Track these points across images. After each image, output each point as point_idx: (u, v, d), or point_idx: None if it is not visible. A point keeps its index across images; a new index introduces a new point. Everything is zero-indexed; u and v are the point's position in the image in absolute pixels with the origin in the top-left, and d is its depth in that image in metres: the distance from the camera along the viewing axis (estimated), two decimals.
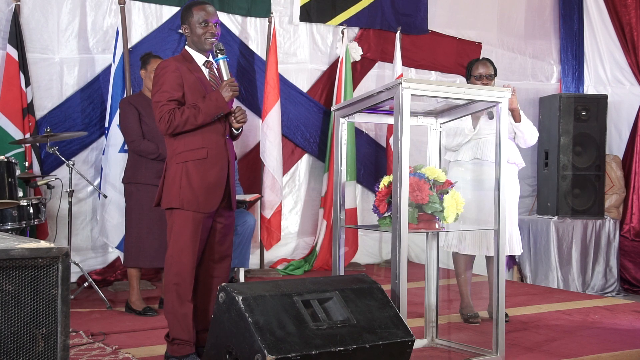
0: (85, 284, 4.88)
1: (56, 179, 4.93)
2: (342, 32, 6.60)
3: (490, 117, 4.32)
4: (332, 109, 3.94)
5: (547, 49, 7.71)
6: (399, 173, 3.11)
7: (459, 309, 4.51)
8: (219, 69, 3.38)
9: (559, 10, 7.70)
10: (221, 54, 3.34)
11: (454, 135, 4.39)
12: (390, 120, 3.56)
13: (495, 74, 4.50)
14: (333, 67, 6.66)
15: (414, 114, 3.74)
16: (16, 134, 5.18)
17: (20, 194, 4.31)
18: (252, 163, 6.28)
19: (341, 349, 2.73)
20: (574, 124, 6.82)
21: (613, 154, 7.22)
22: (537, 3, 7.66)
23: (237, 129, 3.43)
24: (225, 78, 3.33)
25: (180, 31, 3.46)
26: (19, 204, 4.35)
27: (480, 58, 4.62)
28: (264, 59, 6.25)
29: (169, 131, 3.28)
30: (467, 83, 4.53)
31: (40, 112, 5.44)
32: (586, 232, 6.73)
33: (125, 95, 5.35)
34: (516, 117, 4.28)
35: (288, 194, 6.59)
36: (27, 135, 5.20)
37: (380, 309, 2.98)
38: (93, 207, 5.67)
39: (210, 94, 3.29)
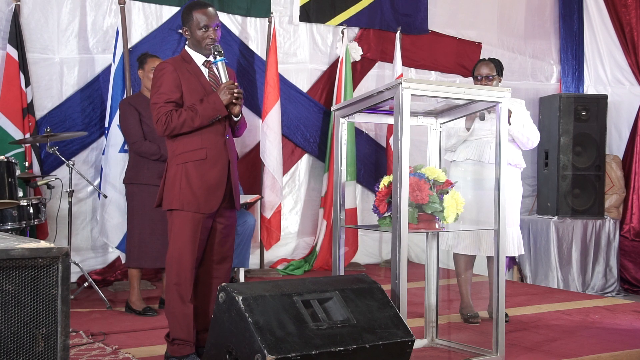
0: (85, 284, 4.88)
1: (56, 179, 4.93)
2: (342, 32, 6.60)
3: (482, 119, 4.31)
4: (332, 109, 3.94)
5: (547, 49, 7.71)
6: (399, 173, 3.11)
7: (459, 309, 4.51)
8: (217, 71, 3.36)
9: (559, 10, 7.70)
10: (219, 56, 3.31)
11: (449, 136, 4.39)
12: (390, 120, 3.56)
13: (499, 74, 4.47)
14: (333, 67, 6.66)
15: (414, 114, 3.74)
16: (16, 134, 5.18)
17: (20, 194, 4.31)
18: (252, 163, 6.28)
19: (341, 349, 2.73)
20: (574, 124, 6.82)
21: (613, 154, 7.22)
22: (537, 3, 7.66)
23: (236, 115, 3.36)
24: (223, 80, 3.31)
25: (181, 32, 3.44)
26: (19, 204, 4.35)
27: (486, 58, 4.60)
28: (264, 59, 6.25)
29: (165, 133, 3.27)
30: (474, 83, 4.52)
31: (40, 112, 5.44)
32: (586, 232, 6.73)
33: (125, 95, 5.35)
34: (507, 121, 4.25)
35: (288, 194, 6.59)
36: (27, 135, 5.20)
37: (380, 309, 2.98)
38: (93, 207, 5.67)
39: (209, 97, 3.27)
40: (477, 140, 4.37)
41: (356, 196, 6.70)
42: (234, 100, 3.29)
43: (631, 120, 7.20)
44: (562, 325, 4.37)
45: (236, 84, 3.31)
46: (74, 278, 5.23)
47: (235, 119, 3.38)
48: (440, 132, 3.88)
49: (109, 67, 5.51)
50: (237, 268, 5.45)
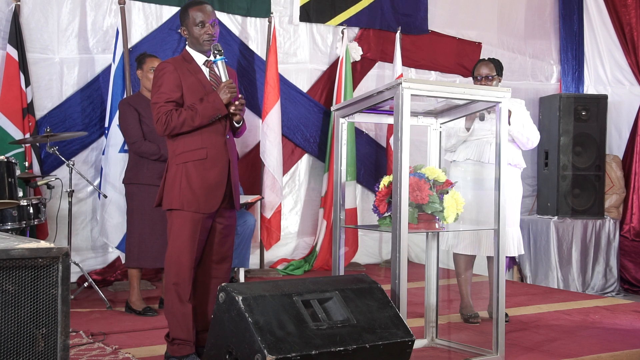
0: (85, 284, 4.88)
1: (56, 179, 4.93)
2: (342, 32, 6.60)
3: (481, 119, 4.31)
4: (332, 109, 3.94)
5: (547, 49, 7.71)
6: (399, 173, 3.11)
7: (459, 309, 4.51)
8: (217, 70, 3.37)
9: (559, 10, 7.70)
10: (219, 55, 3.32)
11: (448, 136, 4.39)
12: (390, 120, 3.56)
13: (499, 74, 4.48)
14: (333, 67, 6.66)
15: (414, 114, 3.74)
16: (16, 134, 5.18)
17: (20, 194, 4.31)
18: (252, 163, 6.28)
19: (341, 349, 2.73)
20: (574, 124, 6.82)
21: (613, 154, 7.22)
22: (537, 3, 7.66)
23: (237, 122, 3.37)
24: (223, 80, 3.32)
25: (180, 31, 3.45)
26: (19, 204, 4.35)
27: (486, 58, 4.61)
28: (264, 59, 6.25)
29: (165, 132, 3.27)
30: (474, 83, 4.52)
31: (40, 112, 5.44)
32: (586, 232, 6.73)
33: (125, 95, 5.35)
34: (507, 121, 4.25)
35: (288, 194, 6.59)
36: (27, 135, 5.20)
37: (380, 309, 2.98)
38: (93, 207, 5.67)
39: (208, 96, 3.28)
40: (477, 140, 4.37)
41: (356, 196, 6.70)
42: (233, 108, 3.29)
43: (631, 120, 7.20)
44: (562, 325, 4.37)
45: (241, 97, 3.31)
46: (74, 278, 5.23)
47: (237, 125, 3.40)
48: (440, 132, 3.88)
49: (109, 67, 5.51)
50: (237, 268, 5.45)
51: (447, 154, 4.49)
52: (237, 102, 3.30)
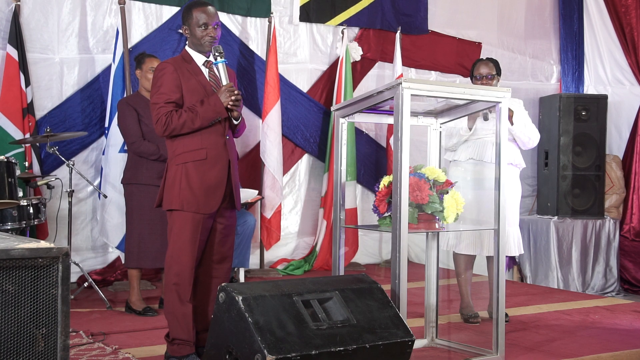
0: (85, 284, 4.88)
1: (56, 179, 4.93)
2: (342, 32, 6.60)
3: (485, 119, 4.31)
4: (332, 109, 3.94)
5: (547, 49, 7.71)
6: (399, 173, 3.11)
7: (459, 309, 4.51)
8: (217, 72, 3.36)
9: (559, 10, 7.70)
10: (220, 57, 3.32)
11: (450, 135, 4.39)
12: (390, 120, 3.56)
13: (498, 74, 4.48)
14: (333, 67, 6.66)
15: (414, 114, 3.74)
16: (16, 134, 5.18)
17: (20, 194, 4.31)
18: (252, 163, 6.28)
19: (341, 349, 2.73)
20: (574, 124, 6.82)
21: (613, 154, 7.22)
22: (537, 3, 7.66)
23: (236, 118, 3.37)
24: (223, 82, 3.31)
25: (181, 31, 3.45)
26: (19, 204, 4.35)
27: (485, 58, 4.61)
28: (264, 59, 6.25)
29: (165, 133, 3.27)
30: (472, 83, 4.52)
31: (40, 112, 5.44)
32: (586, 232, 6.73)
33: (125, 95, 5.35)
34: (509, 120, 4.26)
35: (288, 194, 6.59)
36: (27, 135, 5.20)
37: (380, 309, 2.98)
38: (93, 207, 5.67)
39: (209, 98, 3.27)
40: (479, 139, 4.37)
41: (356, 196, 6.70)
42: (230, 104, 3.28)
43: (631, 120, 7.20)
44: (562, 325, 4.37)
45: (237, 92, 3.31)
46: (74, 278, 5.23)
47: (235, 122, 3.39)
48: (440, 132, 3.88)
49: (109, 67, 5.51)
50: (237, 268, 5.45)
51: (447, 153, 4.49)
52: (233, 98, 3.28)
